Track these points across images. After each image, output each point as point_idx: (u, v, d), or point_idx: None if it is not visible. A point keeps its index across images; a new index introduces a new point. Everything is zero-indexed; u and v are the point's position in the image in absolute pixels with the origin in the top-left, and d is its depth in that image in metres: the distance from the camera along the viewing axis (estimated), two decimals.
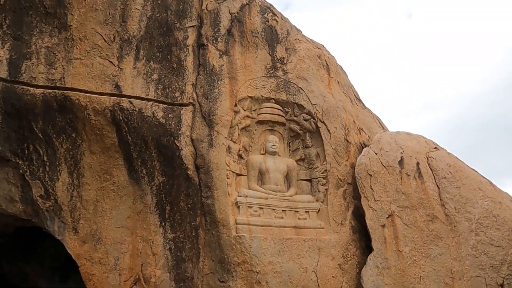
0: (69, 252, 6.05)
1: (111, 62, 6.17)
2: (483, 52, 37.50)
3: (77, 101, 5.92)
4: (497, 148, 35.78)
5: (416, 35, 40.94)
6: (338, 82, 7.97)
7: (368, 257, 6.39)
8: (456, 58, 39.66)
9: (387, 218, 6.52)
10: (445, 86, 38.61)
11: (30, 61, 5.90)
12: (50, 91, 5.88)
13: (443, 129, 35.56)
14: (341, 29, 40.16)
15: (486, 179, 7.06)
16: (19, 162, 5.92)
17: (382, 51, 41.06)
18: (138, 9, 6.46)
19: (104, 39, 6.19)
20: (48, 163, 6.02)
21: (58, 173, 6.05)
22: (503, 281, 6.22)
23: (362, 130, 7.74)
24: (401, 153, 6.95)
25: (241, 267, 5.89)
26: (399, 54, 41.16)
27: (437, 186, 6.70)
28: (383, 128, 8.77)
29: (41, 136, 5.94)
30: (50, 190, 6.00)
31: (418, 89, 39.81)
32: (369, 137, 7.72)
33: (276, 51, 7.29)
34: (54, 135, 6.00)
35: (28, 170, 5.95)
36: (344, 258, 6.46)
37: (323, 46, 8.28)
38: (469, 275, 6.24)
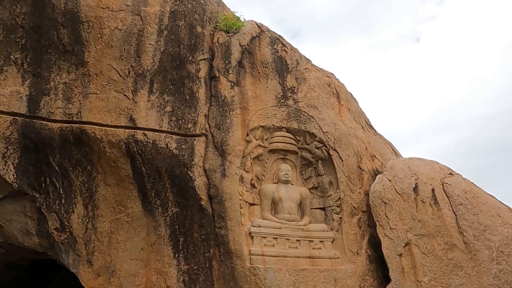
0: (83, 285, 6.04)
1: (126, 95, 6.34)
2: (493, 73, 37.39)
3: (93, 134, 6.06)
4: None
5: (424, 59, 41.19)
6: (349, 109, 8.02)
7: None
8: (466, 79, 39.60)
9: (404, 246, 6.38)
10: (456, 108, 38.39)
11: (49, 96, 6.10)
12: (67, 125, 6.04)
13: (456, 152, 35.08)
14: (350, 56, 40.66)
15: (504, 204, 6.89)
16: (36, 195, 6.02)
17: (392, 75, 41.29)
18: (152, 44, 6.68)
19: (119, 73, 6.39)
20: (64, 195, 6.11)
21: (74, 206, 6.12)
22: None
23: (375, 156, 7.70)
24: (415, 179, 6.87)
25: None
26: (409, 78, 41.31)
27: (454, 213, 6.57)
28: (396, 153, 8.71)
29: (58, 169, 6.06)
30: (66, 223, 6.06)
31: (429, 112, 39.64)
32: (382, 163, 7.67)
33: (286, 80, 7.42)
34: (70, 168, 6.11)
35: (44, 203, 6.04)
36: None
37: (332, 74, 8.39)
38: None
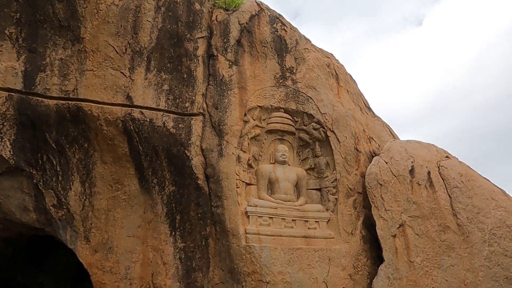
0: (81, 261, 6.11)
1: (122, 73, 6.27)
2: (495, 57, 37.12)
3: (89, 112, 6.02)
4: (509, 156, 35.20)
5: (426, 42, 40.77)
6: (348, 91, 7.97)
7: (379, 268, 6.33)
8: (467, 63, 39.32)
9: (398, 228, 6.46)
10: (456, 92, 38.26)
11: (45, 73, 6.03)
12: (64, 102, 5.99)
13: (454, 137, 35.16)
14: (351, 38, 40.16)
15: (499, 188, 6.96)
16: (33, 172, 6.02)
17: (393, 58, 40.93)
18: (149, 21, 6.57)
19: (116, 50, 6.30)
20: (61, 172, 6.12)
21: (71, 183, 6.14)
22: None
23: (372, 138, 7.71)
24: (412, 162, 6.90)
25: (251, 277, 5.88)
26: (410, 61, 40.98)
27: (449, 195, 6.63)
28: (393, 136, 8.72)
29: (55, 147, 6.05)
30: (63, 200, 6.09)
31: (429, 96, 39.50)
32: (379, 145, 7.69)
33: (285, 60, 7.34)
34: (67, 145, 6.10)
35: (41, 180, 6.05)
36: (354, 269, 6.40)
37: (332, 55, 8.31)
38: (482, 286, 6.12)
